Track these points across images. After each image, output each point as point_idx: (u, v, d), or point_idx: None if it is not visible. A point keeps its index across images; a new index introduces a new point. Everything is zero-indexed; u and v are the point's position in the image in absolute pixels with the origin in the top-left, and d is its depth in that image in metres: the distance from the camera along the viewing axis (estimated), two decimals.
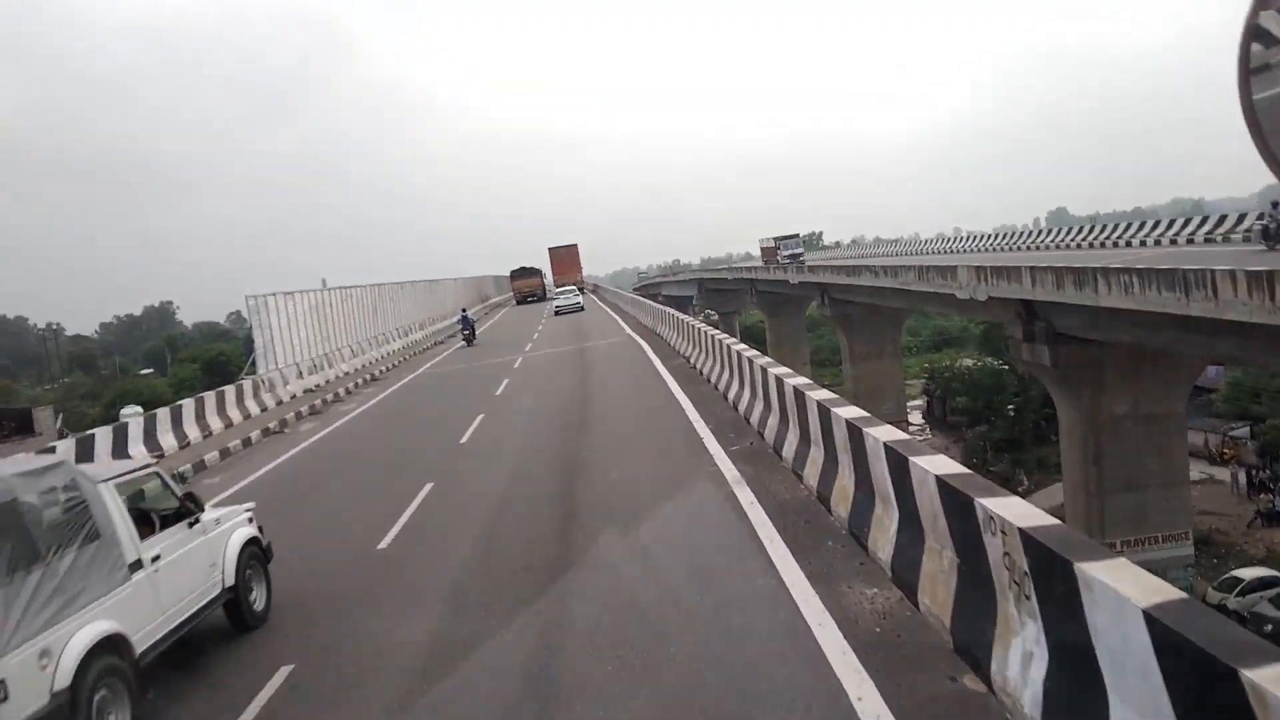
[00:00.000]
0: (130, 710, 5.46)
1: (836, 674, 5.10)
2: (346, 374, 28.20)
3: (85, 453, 15.21)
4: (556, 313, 45.54)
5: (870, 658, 5.23)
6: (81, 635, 5.26)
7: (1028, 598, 4.28)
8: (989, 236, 55.77)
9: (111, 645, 5.45)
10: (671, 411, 14.57)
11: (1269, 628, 23.86)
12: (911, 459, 5.90)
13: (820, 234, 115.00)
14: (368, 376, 28.05)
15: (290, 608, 7.67)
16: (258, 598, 7.50)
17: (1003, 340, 55.56)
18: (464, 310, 39.76)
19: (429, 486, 11.36)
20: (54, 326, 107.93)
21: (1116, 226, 38.11)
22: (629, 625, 6.27)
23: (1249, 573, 26.74)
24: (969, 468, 5.58)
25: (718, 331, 16.87)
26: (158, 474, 7.06)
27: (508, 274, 72.94)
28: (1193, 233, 30.26)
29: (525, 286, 67.41)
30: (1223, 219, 29.62)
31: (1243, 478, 37.30)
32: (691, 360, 19.10)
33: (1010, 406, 50.16)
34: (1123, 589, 3.40)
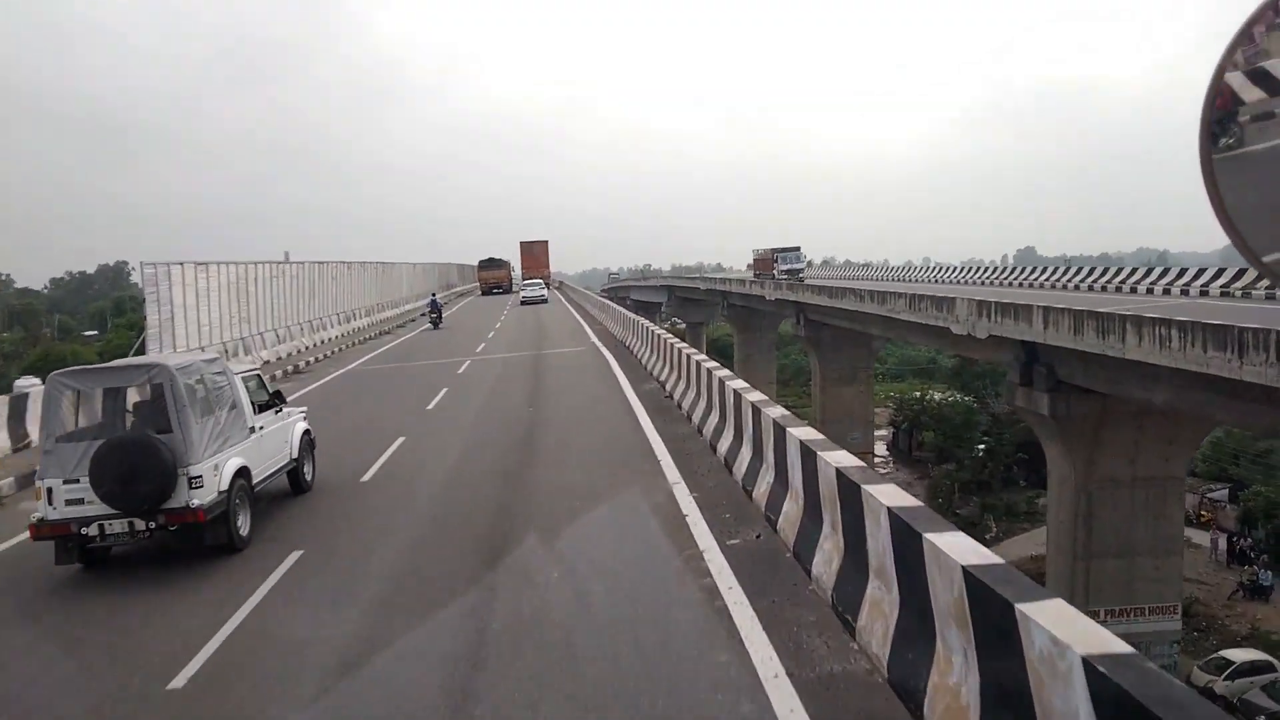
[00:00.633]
0: (249, 512, 8.59)
1: None
2: (266, 363, 24.35)
3: None
4: (523, 302, 50.39)
5: None
6: (231, 462, 8.45)
7: None
8: (957, 269, 55.72)
9: (243, 473, 8.59)
10: (648, 470, 10.78)
11: (1262, 718, 21.91)
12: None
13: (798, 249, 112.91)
14: (290, 368, 24.75)
15: None
16: (309, 472, 10.60)
17: (978, 379, 54.82)
18: (434, 295, 42.00)
19: (296, 555, 8.27)
20: (1, 278, 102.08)
21: (1093, 270, 36.76)
22: None
23: (1238, 654, 24.79)
24: (934, 509, 5.12)
25: (704, 358, 13.67)
26: (258, 375, 10.17)
27: (475, 264, 72.61)
28: (1187, 283, 28.46)
29: (491, 278, 67.87)
30: (1223, 271, 27.73)
31: (1223, 544, 35.55)
32: (668, 388, 16.14)
33: (981, 446, 48.32)
34: None
